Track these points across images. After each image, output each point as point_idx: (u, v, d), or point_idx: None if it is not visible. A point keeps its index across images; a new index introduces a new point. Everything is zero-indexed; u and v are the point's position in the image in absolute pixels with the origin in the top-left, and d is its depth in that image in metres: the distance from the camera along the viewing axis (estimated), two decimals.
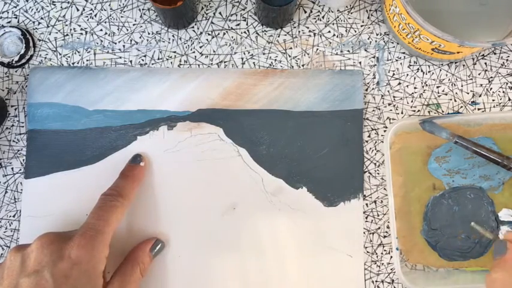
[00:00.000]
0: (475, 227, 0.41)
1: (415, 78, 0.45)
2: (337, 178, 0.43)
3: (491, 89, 0.45)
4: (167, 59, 0.45)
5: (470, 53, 0.43)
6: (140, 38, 0.45)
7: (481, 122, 0.43)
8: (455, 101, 0.45)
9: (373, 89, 0.45)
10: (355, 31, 0.46)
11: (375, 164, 0.44)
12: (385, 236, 0.43)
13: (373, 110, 0.45)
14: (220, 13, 0.46)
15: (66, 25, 0.45)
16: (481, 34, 0.42)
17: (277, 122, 0.44)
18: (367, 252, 0.43)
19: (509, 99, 0.45)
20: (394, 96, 0.45)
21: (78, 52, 0.45)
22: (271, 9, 0.41)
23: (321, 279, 0.42)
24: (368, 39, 0.45)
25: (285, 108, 0.44)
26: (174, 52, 0.45)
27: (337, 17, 0.46)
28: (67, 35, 0.45)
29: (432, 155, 0.43)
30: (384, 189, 0.44)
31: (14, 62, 0.44)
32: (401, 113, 0.45)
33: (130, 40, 0.45)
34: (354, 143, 0.44)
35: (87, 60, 0.45)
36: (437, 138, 0.41)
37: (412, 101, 0.45)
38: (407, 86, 0.45)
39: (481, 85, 0.45)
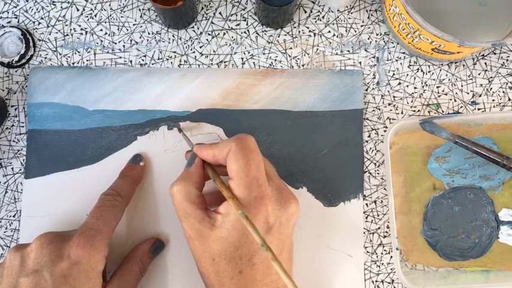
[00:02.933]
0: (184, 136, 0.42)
1: (415, 78, 0.45)
2: (337, 178, 0.43)
3: (491, 89, 0.45)
4: (167, 59, 0.45)
5: (470, 53, 0.43)
6: (140, 38, 0.45)
7: (481, 122, 0.43)
8: (455, 101, 0.45)
9: (373, 89, 0.45)
10: (355, 31, 0.46)
11: (375, 164, 0.44)
12: (385, 236, 0.43)
13: (373, 110, 0.45)
14: (220, 13, 0.46)
15: (66, 25, 0.45)
16: (481, 34, 0.42)
17: (277, 122, 0.44)
18: (367, 252, 0.43)
19: (509, 99, 0.45)
20: (394, 96, 0.45)
21: (78, 52, 0.45)
22: (271, 9, 0.41)
23: (321, 279, 0.42)
24: (368, 39, 0.45)
25: (285, 108, 0.44)
26: (174, 52, 0.45)
27: (337, 17, 0.46)
28: (67, 35, 0.45)
29: (432, 155, 0.43)
30: (384, 189, 0.44)
31: (14, 62, 0.44)
32: (401, 113, 0.45)
33: (130, 40, 0.45)
34: (354, 143, 0.44)
35: (87, 60, 0.45)
36: (437, 138, 0.41)
37: (412, 101, 0.45)
38: (407, 86, 0.45)
39: (481, 85, 0.45)
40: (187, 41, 0.45)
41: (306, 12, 0.46)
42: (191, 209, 0.34)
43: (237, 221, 0.33)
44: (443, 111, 0.45)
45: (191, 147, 0.38)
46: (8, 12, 0.46)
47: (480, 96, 0.45)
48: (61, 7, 0.46)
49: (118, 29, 0.45)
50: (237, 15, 0.46)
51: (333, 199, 0.43)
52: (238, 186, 0.33)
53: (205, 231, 0.34)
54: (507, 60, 0.45)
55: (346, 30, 0.46)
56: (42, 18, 0.45)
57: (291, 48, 0.45)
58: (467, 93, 0.45)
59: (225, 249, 0.33)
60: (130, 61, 0.45)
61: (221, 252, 0.33)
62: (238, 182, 0.33)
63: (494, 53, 0.46)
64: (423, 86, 0.45)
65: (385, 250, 0.43)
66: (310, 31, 0.46)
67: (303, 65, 0.45)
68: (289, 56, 0.45)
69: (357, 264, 0.42)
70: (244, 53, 0.45)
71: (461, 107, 0.45)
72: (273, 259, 0.30)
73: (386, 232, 0.43)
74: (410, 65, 0.45)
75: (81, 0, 0.46)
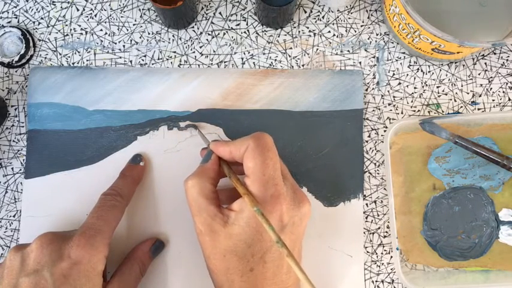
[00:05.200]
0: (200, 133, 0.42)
1: (415, 78, 0.45)
2: (337, 178, 0.43)
3: (491, 89, 0.45)
4: (167, 59, 0.45)
5: (470, 53, 0.43)
6: (140, 38, 0.45)
7: (481, 122, 0.43)
8: (455, 101, 0.45)
9: (373, 89, 0.45)
10: (355, 31, 0.46)
11: (375, 164, 0.44)
12: (385, 236, 0.43)
13: (373, 110, 0.45)
14: (220, 13, 0.46)
15: (66, 25, 0.45)
16: (481, 34, 0.42)
17: (277, 122, 0.44)
18: (367, 252, 0.43)
19: (509, 99, 0.45)
20: (394, 96, 0.45)
21: (78, 52, 0.45)
22: (271, 9, 0.41)
23: (321, 279, 0.42)
24: (368, 39, 0.45)
25: (285, 108, 0.44)
26: (174, 52, 0.45)
27: (337, 17, 0.46)
28: (67, 35, 0.45)
29: (432, 155, 0.43)
30: (384, 189, 0.44)
31: (14, 62, 0.44)
32: (401, 113, 0.45)
33: (130, 40, 0.45)
34: (354, 143, 0.44)
35: (87, 60, 0.45)
36: (437, 138, 0.41)
37: (412, 101, 0.45)
38: (407, 86, 0.45)
39: (481, 85, 0.45)
40: (187, 41, 0.45)
41: (306, 12, 0.46)
42: (205, 204, 0.34)
43: (250, 218, 0.33)
44: (443, 111, 0.45)
45: (207, 144, 0.38)
46: (8, 12, 0.46)
47: (480, 96, 0.45)
48: (61, 7, 0.46)
49: (118, 29, 0.45)
50: (237, 15, 0.46)
51: (333, 199, 0.43)
52: (254, 184, 0.33)
53: (218, 228, 0.33)
54: (507, 60, 0.45)
55: (346, 30, 0.46)
56: (42, 18, 0.45)
57: (291, 48, 0.45)
58: (467, 93, 0.45)
59: (236, 245, 0.33)
60: (131, 61, 0.45)
61: (233, 249, 0.33)
62: (255, 179, 0.33)
63: (494, 53, 0.46)
64: (423, 86, 0.45)
65: (385, 250, 0.43)
66: (310, 31, 0.46)
67: (303, 65, 0.45)
68: (289, 56, 0.45)
69: (357, 264, 0.42)
70: (244, 53, 0.45)
71: (461, 107, 0.45)
72: (288, 256, 0.30)
73: (386, 232, 0.43)
74: (410, 65, 0.45)
75: (81, 0, 0.46)
